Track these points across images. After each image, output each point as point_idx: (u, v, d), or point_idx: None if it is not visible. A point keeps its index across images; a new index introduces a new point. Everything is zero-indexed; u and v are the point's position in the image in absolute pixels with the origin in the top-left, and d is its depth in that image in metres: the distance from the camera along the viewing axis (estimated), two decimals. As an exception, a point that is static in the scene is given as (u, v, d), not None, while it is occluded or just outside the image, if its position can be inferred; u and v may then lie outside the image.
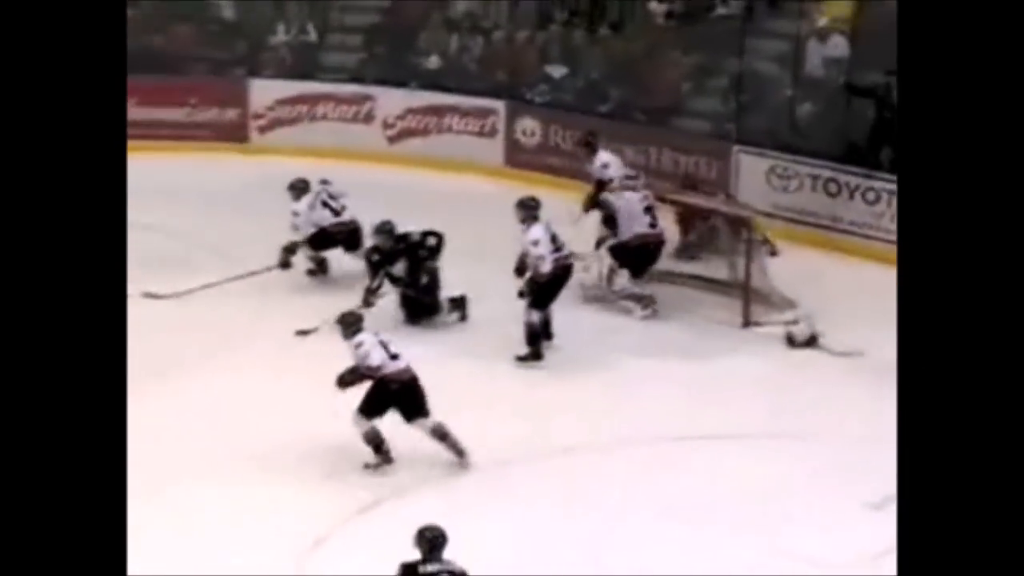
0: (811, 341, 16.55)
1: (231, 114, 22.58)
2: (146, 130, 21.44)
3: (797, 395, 15.83)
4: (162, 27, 23.34)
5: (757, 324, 17.28)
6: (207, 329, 16.81)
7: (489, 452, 14.50)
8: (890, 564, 9.32)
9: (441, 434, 13.69)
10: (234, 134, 22.46)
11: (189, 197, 19.33)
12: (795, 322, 17.06)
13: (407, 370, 14.39)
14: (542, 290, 16.25)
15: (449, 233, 17.39)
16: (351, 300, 16.67)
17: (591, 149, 19.04)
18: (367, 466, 14.36)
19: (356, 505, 13.28)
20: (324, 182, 18.65)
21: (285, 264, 17.90)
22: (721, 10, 21.91)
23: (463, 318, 17.33)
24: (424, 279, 17.26)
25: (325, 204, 18.34)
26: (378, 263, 17.20)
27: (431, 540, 11.24)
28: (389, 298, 17.24)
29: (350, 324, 14.74)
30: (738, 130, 20.53)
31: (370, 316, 15.92)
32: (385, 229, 17.03)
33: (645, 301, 17.69)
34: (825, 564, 13.04)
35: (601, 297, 17.93)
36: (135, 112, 20.90)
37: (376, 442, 14.47)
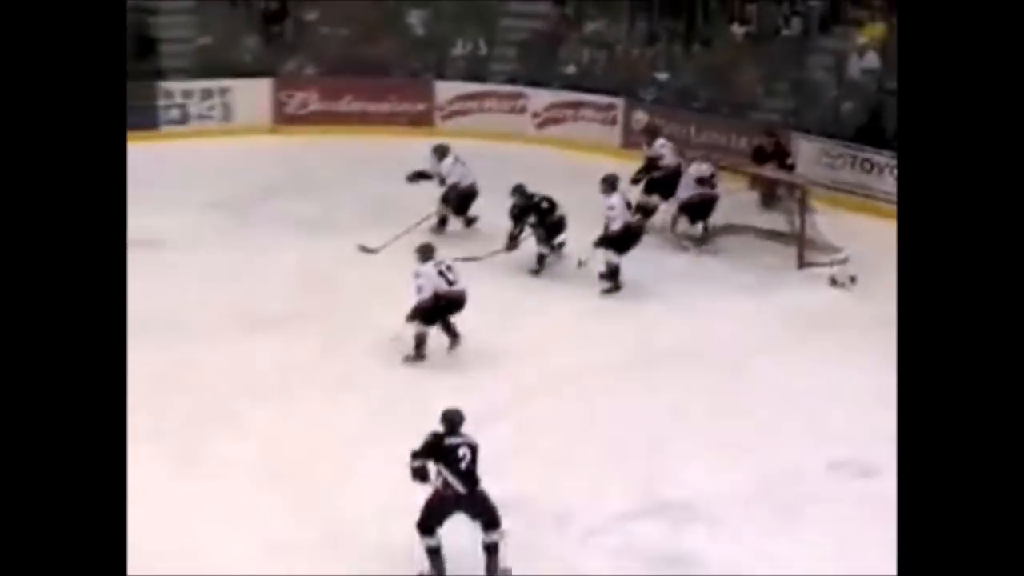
0: (852, 280, 18.00)
1: (421, 107, 24.57)
2: (359, 118, 24.18)
3: (841, 318, 17.13)
4: (372, 40, 25.31)
5: (810, 265, 18.72)
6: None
7: (596, 359, 15.97)
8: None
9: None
10: (423, 121, 24.36)
11: (390, 167, 20.12)
12: (843, 261, 18.31)
13: (461, 292, 15.63)
14: (614, 241, 17.86)
15: (576, 198, 18.56)
16: (482, 245, 18.47)
17: (652, 135, 20.58)
18: (406, 358, 15.72)
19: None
20: (440, 149, 19.81)
21: (441, 221, 19.12)
22: (785, 31, 23.63)
23: (614, 287, 17.96)
24: (553, 235, 18.71)
25: (457, 160, 19.50)
26: (519, 215, 18.59)
27: (451, 419, 12.33)
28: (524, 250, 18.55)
29: (424, 252, 15.80)
30: (796, 121, 22.08)
31: (506, 261, 18.37)
32: (519, 190, 18.47)
33: (698, 241, 19.39)
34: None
35: (685, 248, 19.41)
36: (351, 105, 24.56)
37: (420, 342, 15.73)
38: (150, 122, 23.70)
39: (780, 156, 20.96)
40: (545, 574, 12.26)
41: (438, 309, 16.11)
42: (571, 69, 24.90)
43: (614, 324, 17.25)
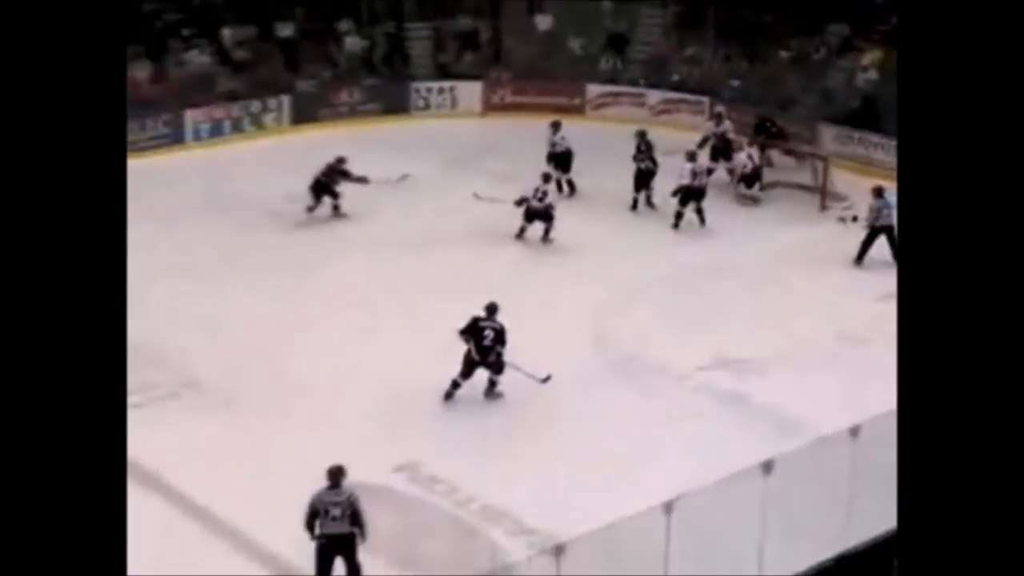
0: (853, 219, 18.94)
1: (576, 101, 26.32)
2: (536, 108, 25.33)
3: (845, 248, 18.28)
4: (546, 56, 27.06)
5: (827, 208, 20.57)
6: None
7: (664, 268, 17.74)
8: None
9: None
10: (578, 111, 25.84)
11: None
12: (848, 207, 19.86)
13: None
14: (682, 193, 19.18)
15: (674, 162, 19.84)
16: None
17: (720, 119, 22.30)
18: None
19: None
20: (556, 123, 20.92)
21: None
22: (815, 56, 25.46)
23: (675, 224, 19.33)
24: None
25: (562, 134, 20.54)
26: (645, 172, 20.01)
27: (489, 308, 13.18)
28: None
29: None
30: (822, 114, 23.99)
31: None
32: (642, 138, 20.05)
33: (754, 197, 20.98)
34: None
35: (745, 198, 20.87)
36: (532, 99, 25.89)
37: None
38: (404, 108, 26.00)
39: (779, 133, 22.51)
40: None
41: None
42: (675, 77, 26.47)
43: (689, 244, 19.16)
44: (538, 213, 18.42)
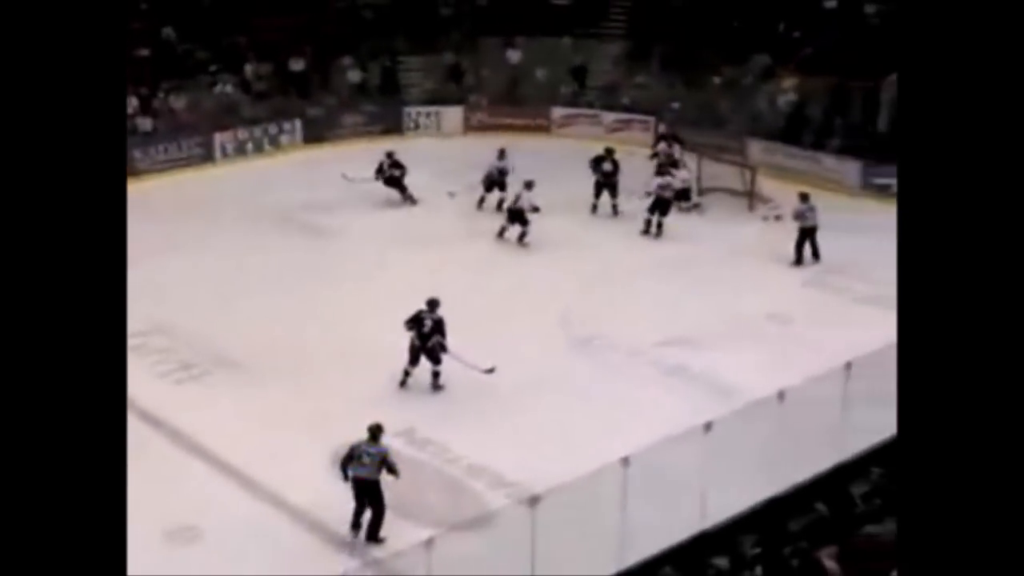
0: (777, 218, 19.57)
1: (542, 121, 25.97)
2: (508, 128, 24.97)
3: (773, 241, 18.38)
4: (515, 83, 26.63)
5: (754, 209, 20.62)
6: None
7: (622, 263, 17.68)
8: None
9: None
10: (543, 130, 25.84)
11: (525, 154, 20.92)
12: (773, 208, 20.11)
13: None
14: (652, 202, 19.11)
15: (626, 172, 20.08)
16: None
17: (670, 140, 22.01)
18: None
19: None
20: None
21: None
22: (743, 82, 24.83)
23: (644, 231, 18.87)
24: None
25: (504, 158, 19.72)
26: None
27: (430, 301, 13.07)
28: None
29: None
30: (749, 131, 23.54)
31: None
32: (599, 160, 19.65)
33: (695, 205, 20.67)
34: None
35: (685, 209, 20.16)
36: (504, 120, 25.45)
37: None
38: (398, 129, 25.81)
39: (679, 141, 21.92)
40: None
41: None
42: (625, 101, 26.29)
43: (643, 243, 19.09)
44: (518, 216, 18.33)
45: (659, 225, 19.12)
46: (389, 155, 20.73)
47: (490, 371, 13.17)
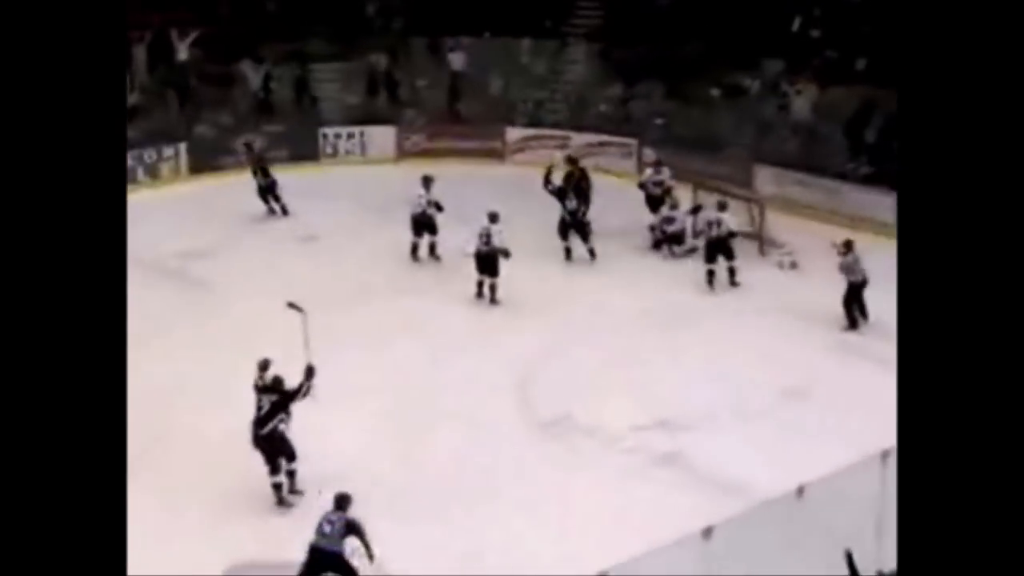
0: (792, 266, 20.13)
1: (496, 144, 26.60)
2: (452, 152, 25.83)
3: (786, 291, 18.95)
4: (463, 99, 27.21)
5: (764, 254, 20.92)
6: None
7: (597, 317, 18.06)
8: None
9: None
10: (497, 155, 26.42)
11: (475, 185, 22.19)
12: (787, 254, 20.50)
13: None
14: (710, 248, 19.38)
15: (598, 204, 20.92)
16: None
17: (658, 166, 22.25)
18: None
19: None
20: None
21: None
22: (750, 90, 25.36)
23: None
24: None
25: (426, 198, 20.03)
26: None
27: (262, 365, 13.37)
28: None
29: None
30: (756, 155, 23.92)
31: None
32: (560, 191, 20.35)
33: (690, 249, 20.88)
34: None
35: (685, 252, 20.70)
36: (447, 144, 26.13)
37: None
38: (313, 155, 26.17)
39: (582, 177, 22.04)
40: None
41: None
42: (601, 108, 26.82)
43: (621, 290, 19.44)
44: (490, 263, 18.54)
45: (731, 272, 19.40)
46: (247, 146, 21.20)
47: (296, 306, 13.30)
